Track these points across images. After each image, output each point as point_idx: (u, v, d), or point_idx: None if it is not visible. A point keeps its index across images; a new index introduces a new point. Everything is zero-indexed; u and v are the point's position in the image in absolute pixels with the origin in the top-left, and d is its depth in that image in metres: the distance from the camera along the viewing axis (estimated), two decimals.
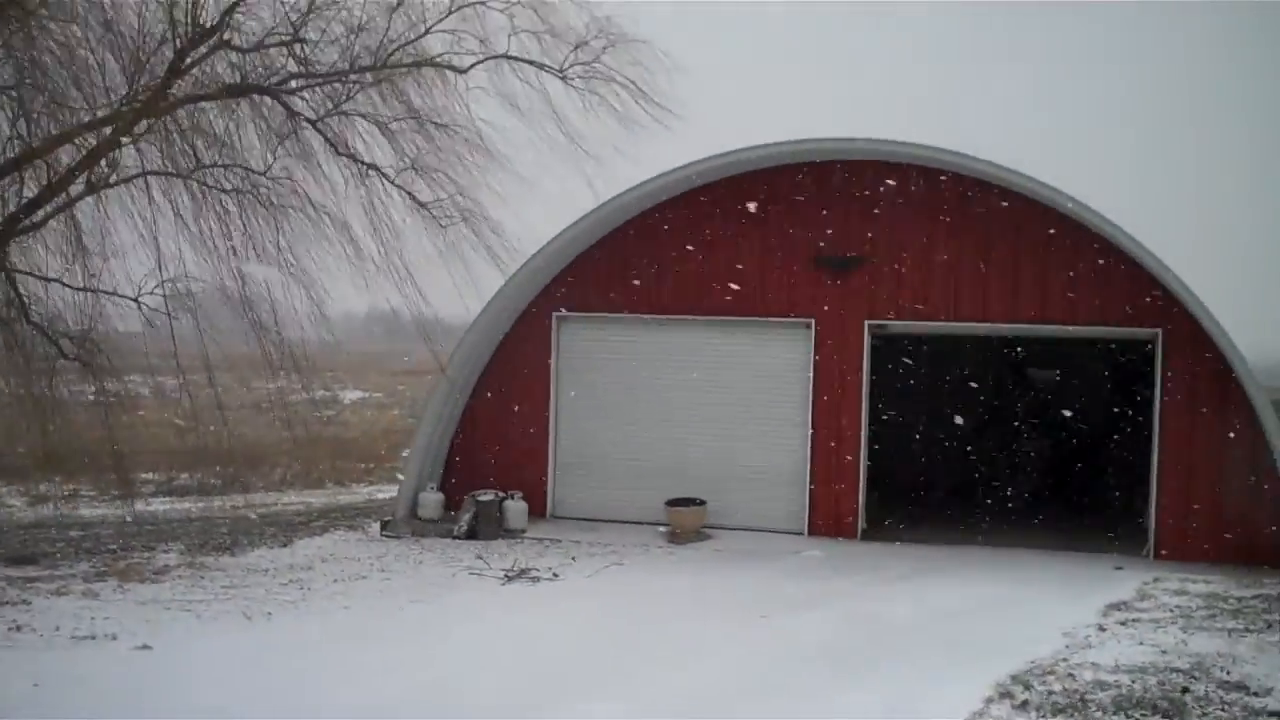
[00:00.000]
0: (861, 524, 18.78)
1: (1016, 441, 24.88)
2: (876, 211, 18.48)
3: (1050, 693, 9.76)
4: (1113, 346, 22.31)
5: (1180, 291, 16.92)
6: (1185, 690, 9.82)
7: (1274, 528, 17.04)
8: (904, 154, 18.06)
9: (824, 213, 18.70)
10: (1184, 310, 17.13)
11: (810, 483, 18.77)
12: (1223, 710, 9.25)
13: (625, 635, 12.21)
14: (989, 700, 9.58)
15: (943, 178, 18.19)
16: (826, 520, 18.70)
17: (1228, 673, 10.47)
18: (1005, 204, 17.89)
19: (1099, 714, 9.15)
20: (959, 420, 23.36)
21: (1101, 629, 12.49)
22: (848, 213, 18.63)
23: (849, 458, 18.68)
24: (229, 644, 11.63)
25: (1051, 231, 17.78)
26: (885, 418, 20.98)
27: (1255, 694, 9.81)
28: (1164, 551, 17.64)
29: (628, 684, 10.34)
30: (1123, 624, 12.74)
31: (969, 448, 24.26)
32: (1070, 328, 18.27)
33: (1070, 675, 10.36)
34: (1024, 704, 9.44)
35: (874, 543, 18.42)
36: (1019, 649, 11.41)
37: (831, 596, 14.31)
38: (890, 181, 18.42)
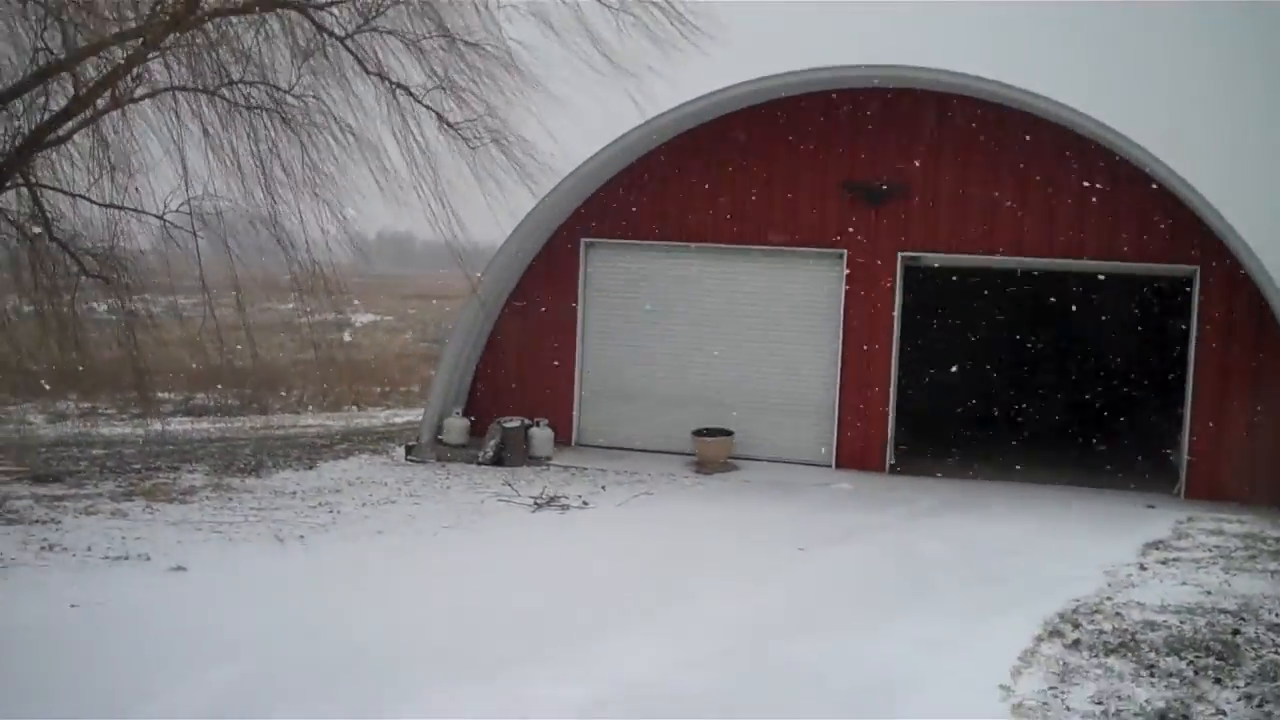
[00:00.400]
0: (890, 458, 18.60)
1: (1049, 378, 24.69)
2: (912, 141, 18.11)
3: (1100, 632, 9.63)
4: (1152, 283, 22.03)
5: (1220, 228, 16.60)
6: (1236, 632, 9.68)
7: None
8: (943, 82, 17.63)
9: (859, 141, 18.35)
10: (1223, 248, 16.84)
11: (839, 415, 18.58)
12: (1276, 653, 9.10)
13: (666, 565, 12.07)
14: (1039, 639, 9.44)
15: (980, 108, 17.77)
16: (855, 453, 18.53)
17: (1277, 615, 10.33)
18: (1045, 136, 17.53)
19: (1152, 654, 9.01)
20: (991, 355, 23.11)
21: (1143, 568, 12.34)
22: (883, 142, 18.28)
23: (879, 390, 18.47)
24: (264, 567, 11.53)
25: (1091, 167, 17.46)
26: (917, 351, 20.77)
27: None
28: (1195, 490, 17.49)
29: (677, 613, 10.23)
30: (1163, 563, 12.59)
31: (1000, 383, 24.07)
32: (1107, 263, 17.96)
33: (1118, 614, 10.22)
34: (1075, 643, 9.30)
35: (903, 476, 18.26)
36: (1062, 587, 11.28)
37: (867, 530, 14.17)
38: (929, 111, 18.08)
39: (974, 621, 10.10)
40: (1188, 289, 17.73)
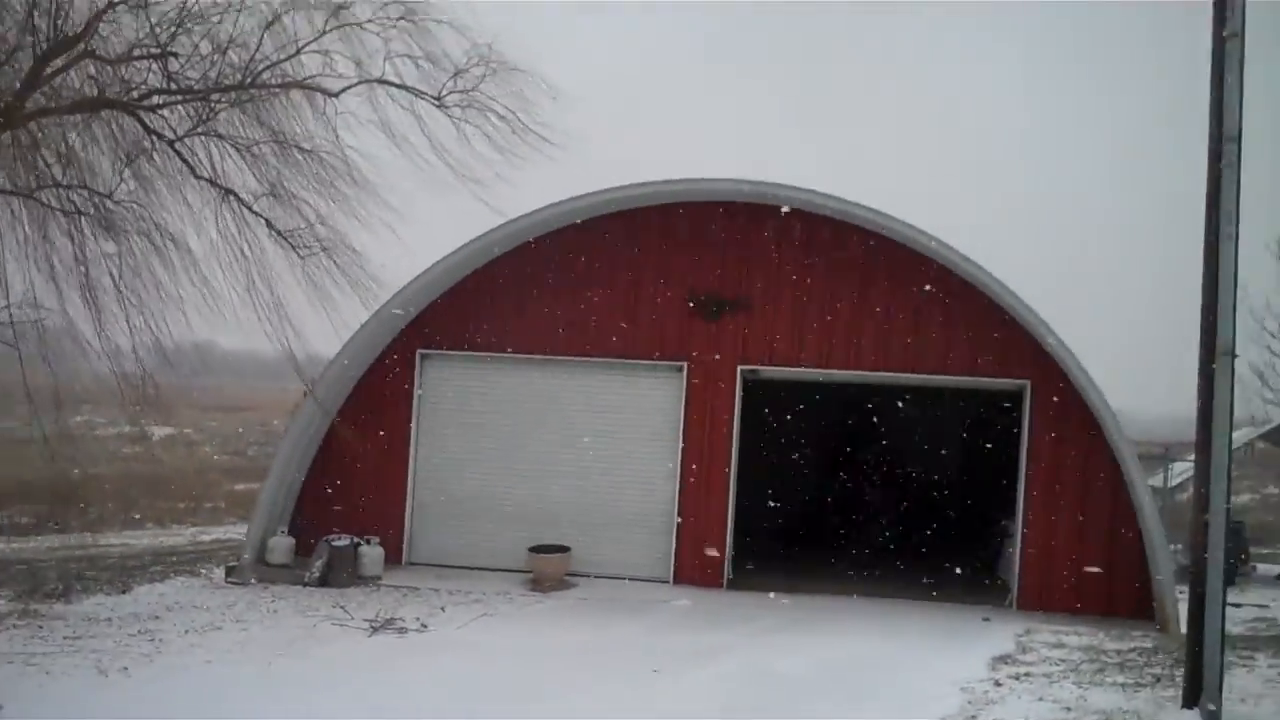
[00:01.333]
0: (728, 573, 18.45)
1: (884, 491, 24.98)
2: (754, 255, 18.31)
3: None
4: (988, 397, 22.58)
5: (1051, 343, 17.10)
6: None
7: (1134, 580, 17.31)
8: (784, 198, 17.91)
9: (701, 255, 18.45)
10: (1053, 362, 17.33)
11: (678, 530, 18.39)
12: None
13: (520, 692, 11.56)
14: None
15: (823, 224, 18.09)
16: (693, 569, 18.33)
17: None
18: (884, 251, 17.90)
19: None
20: (828, 469, 23.25)
21: (997, 684, 12.32)
22: (725, 256, 18.41)
23: (717, 505, 18.36)
24: (90, 703, 10.61)
25: (928, 282, 17.83)
26: (756, 465, 20.77)
27: None
28: (1026, 601, 17.75)
29: None
30: (1016, 679, 12.61)
31: (837, 497, 24.25)
32: (942, 377, 18.31)
33: None
34: None
35: (741, 592, 18.10)
36: (924, 705, 11.19)
37: (719, 649, 13.88)
38: (770, 226, 18.27)
39: None
40: (1020, 403, 18.15)
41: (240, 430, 45.40)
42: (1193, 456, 27.62)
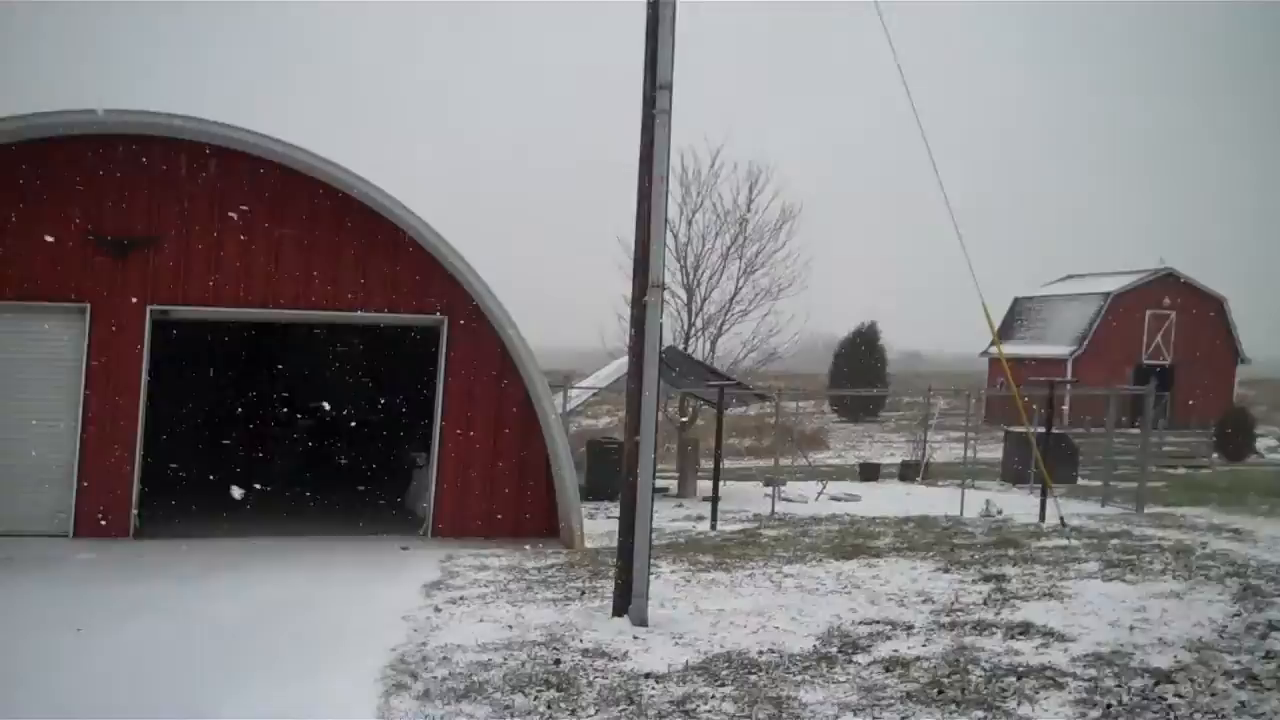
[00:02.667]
0: (136, 522, 17.55)
1: (301, 430, 24.61)
2: (166, 192, 17.33)
3: (441, 679, 9.73)
4: (405, 332, 22.65)
5: (465, 278, 17.61)
6: (558, 662, 10.23)
7: (542, 503, 18.36)
8: (200, 133, 17.09)
9: (107, 190, 17.17)
10: (468, 297, 17.87)
11: (78, 480, 17.21)
12: (604, 678, 9.75)
13: None
14: (387, 694, 9.36)
15: (240, 161, 17.43)
16: (96, 520, 17.25)
17: (582, 640, 11.07)
18: (304, 191, 17.59)
19: (499, 695, 9.26)
20: (245, 410, 22.57)
21: (437, 610, 12.65)
22: (134, 192, 17.28)
23: (123, 452, 17.35)
24: None
25: (347, 219, 17.75)
26: (170, 409, 19.81)
27: (614, 658, 10.45)
28: (441, 529, 18.33)
29: None
30: (452, 603, 13.01)
31: (254, 437, 23.61)
32: (361, 314, 18.30)
33: (446, 659, 10.40)
34: (425, 694, 9.32)
35: (152, 540, 17.27)
36: (373, 637, 11.27)
37: (145, 601, 13.17)
38: (187, 162, 17.37)
39: (314, 683, 9.78)
40: (438, 337, 18.57)
41: None
42: (584, 384, 29.54)
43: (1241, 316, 66.19)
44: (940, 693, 8.96)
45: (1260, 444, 50.87)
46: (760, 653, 10.40)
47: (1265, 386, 75.34)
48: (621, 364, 28.39)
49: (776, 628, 11.41)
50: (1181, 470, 38.40)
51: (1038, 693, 8.93)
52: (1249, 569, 14.26)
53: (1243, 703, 8.59)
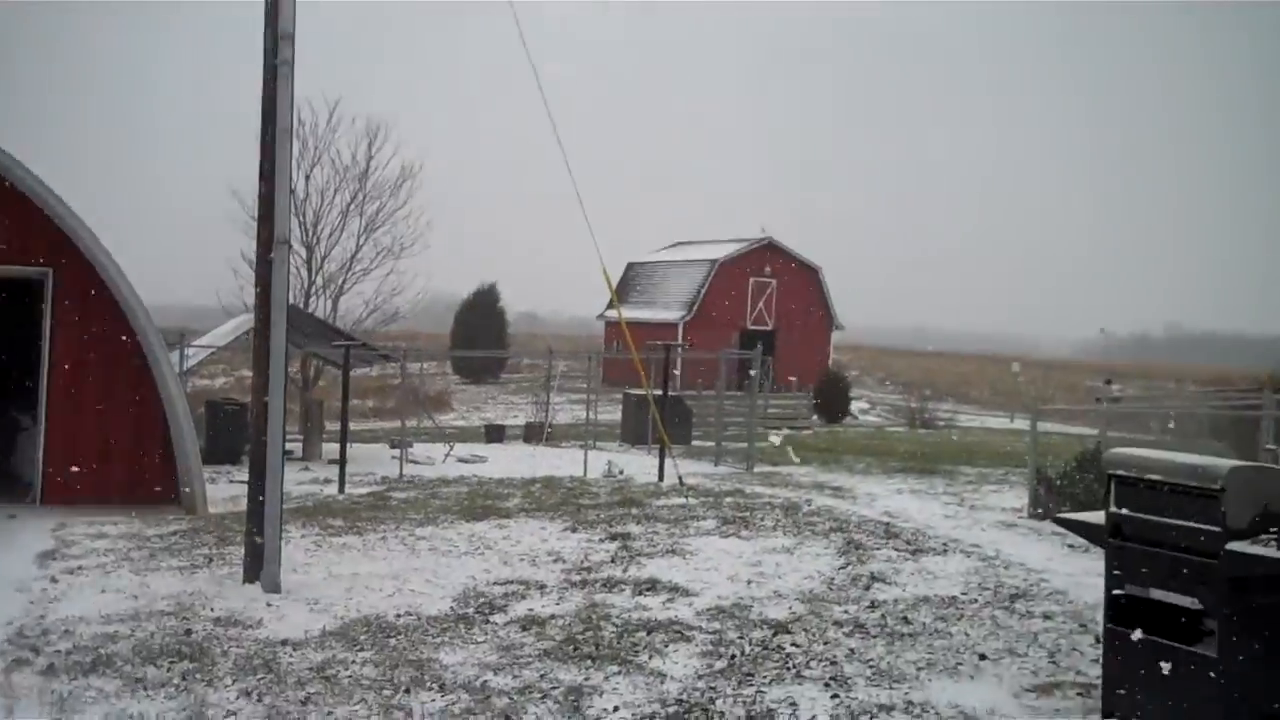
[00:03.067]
0: None
1: None
2: None
3: (65, 652, 9.30)
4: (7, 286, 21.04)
5: (73, 227, 16.68)
6: (189, 632, 9.97)
7: (161, 467, 17.70)
8: None
9: None
10: (78, 249, 16.94)
11: None
12: (239, 646, 9.58)
13: None
14: (8, 671, 8.87)
15: None
16: None
17: (213, 609, 10.81)
18: None
19: (130, 668, 8.96)
20: None
21: (54, 580, 12.04)
22: None
23: None
24: None
25: None
26: None
27: (248, 626, 10.28)
28: (52, 496, 17.38)
29: None
30: (71, 573, 12.40)
31: None
32: None
33: (69, 632, 9.94)
34: (50, 668, 8.90)
35: None
36: None
37: None
38: None
39: None
40: (42, 292, 17.49)
41: None
42: (201, 342, 28.52)
43: (836, 285, 70.84)
44: (576, 649, 9.30)
45: (854, 406, 54.69)
46: (398, 616, 10.48)
47: (859, 352, 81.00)
48: (240, 322, 27.66)
49: (412, 590, 11.51)
50: (786, 431, 40.77)
51: (667, 646, 9.42)
52: (850, 524, 15.45)
53: (852, 649, 9.38)
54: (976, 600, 11.28)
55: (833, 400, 51.52)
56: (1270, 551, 6.85)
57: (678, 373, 52.00)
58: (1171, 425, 23.55)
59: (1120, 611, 7.61)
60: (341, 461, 21.56)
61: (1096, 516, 7.94)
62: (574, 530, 14.91)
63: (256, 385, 11.77)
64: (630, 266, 72.04)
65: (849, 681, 8.55)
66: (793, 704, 8.05)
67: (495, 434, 36.05)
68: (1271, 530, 7.04)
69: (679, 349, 48.15)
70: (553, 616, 10.42)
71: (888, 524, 15.82)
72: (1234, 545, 6.96)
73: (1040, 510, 17.01)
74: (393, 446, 28.74)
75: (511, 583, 11.86)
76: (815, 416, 50.41)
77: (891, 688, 8.45)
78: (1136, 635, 7.43)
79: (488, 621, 10.34)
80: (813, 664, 8.96)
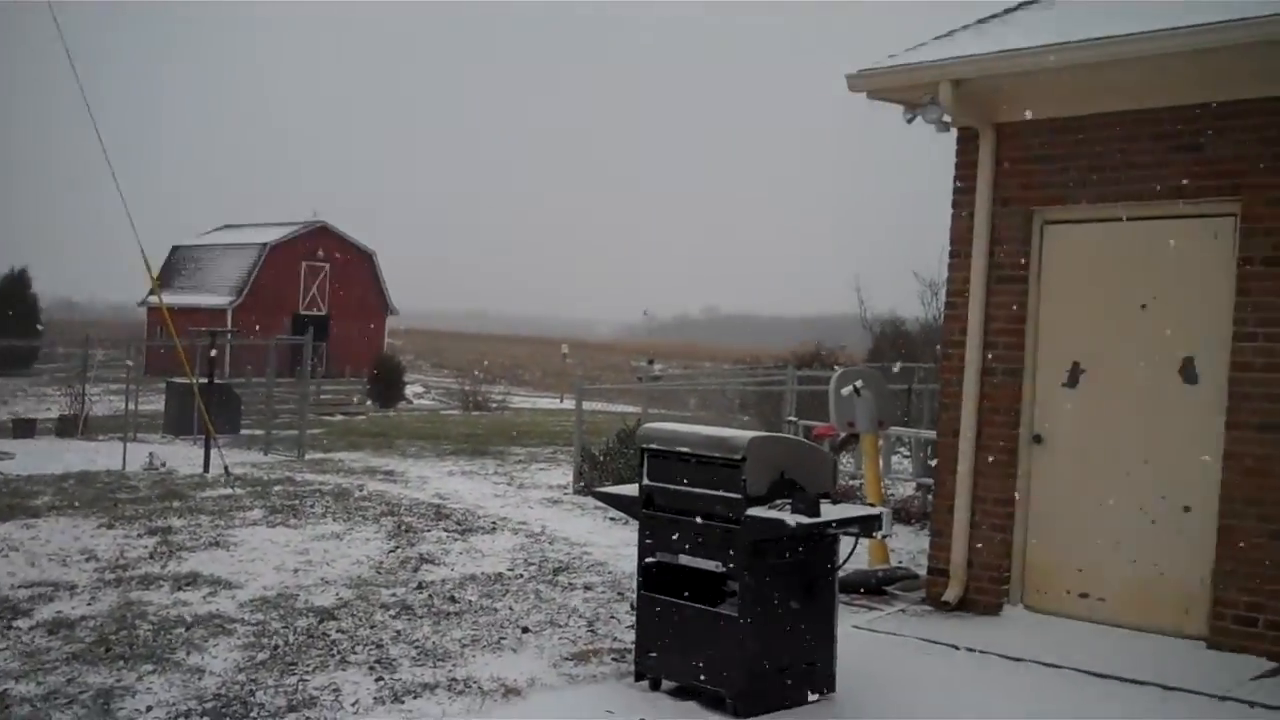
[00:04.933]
0: None
1: None
2: None
3: None
4: None
5: None
6: None
7: None
8: None
9: None
10: None
11: None
12: None
13: None
14: None
15: None
16: None
17: None
18: None
19: None
20: None
21: None
22: None
23: None
24: None
25: None
26: None
27: None
28: None
29: None
30: None
31: None
32: None
33: None
34: None
35: None
36: None
37: None
38: None
39: None
40: None
41: None
42: None
43: (389, 270, 70.59)
44: (108, 650, 8.86)
45: (409, 390, 54.71)
46: None
47: (412, 336, 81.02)
48: None
49: None
50: (339, 417, 40.31)
51: (206, 640, 9.12)
52: (401, 508, 15.47)
53: (399, 631, 9.41)
54: (522, 575, 11.59)
55: (388, 385, 51.30)
56: (784, 515, 7.41)
57: (227, 359, 50.28)
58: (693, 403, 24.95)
59: (651, 578, 8.03)
60: None
61: (631, 489, 8.33)
62: (110, 526, 14.14)
63: None
64: (175, 250, 68.93)
65: (394, 663, 8.59)
66: (336, 690, 8.00)
67: (24, 429, 33.57)
68: (786, 495, 7.62)
69: (226, 335, 46.49)
70: (84, 618, 9.86)
71: (439, 506, 15.96)
72: (753, 510, 7.48)
73: (584, 485, 17.63)
74: None
75: (38, 585, 11.12)
76: (370, 402, 50.04)
77: (436, 666, 8.55)
78: (664, 599, 7.86)
79: (10, 628, 9.65)
80: (358, 649, 8.93)
